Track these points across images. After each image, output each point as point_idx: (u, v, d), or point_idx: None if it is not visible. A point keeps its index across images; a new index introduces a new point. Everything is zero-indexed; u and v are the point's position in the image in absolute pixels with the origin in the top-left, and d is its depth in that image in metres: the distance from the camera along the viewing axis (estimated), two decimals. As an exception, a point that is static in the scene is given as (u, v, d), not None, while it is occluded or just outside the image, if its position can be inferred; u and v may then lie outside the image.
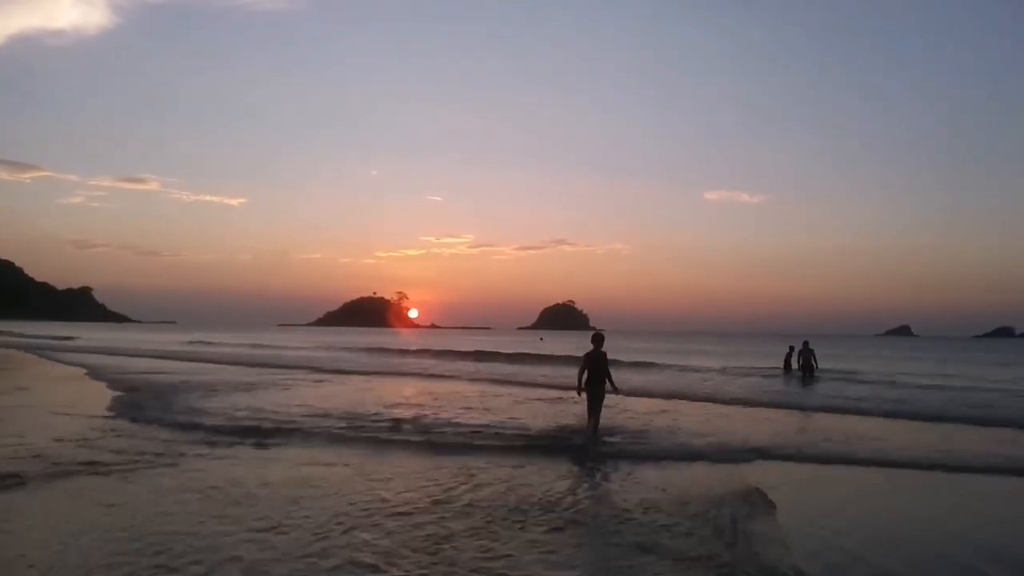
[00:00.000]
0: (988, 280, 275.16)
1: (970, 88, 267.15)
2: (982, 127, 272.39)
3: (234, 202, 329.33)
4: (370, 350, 51.06)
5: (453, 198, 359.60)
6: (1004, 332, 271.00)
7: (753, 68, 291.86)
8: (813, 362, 28.93)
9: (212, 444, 10.71)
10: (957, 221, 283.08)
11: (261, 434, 11.65)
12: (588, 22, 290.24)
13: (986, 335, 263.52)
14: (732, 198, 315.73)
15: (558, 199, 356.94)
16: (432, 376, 27.38)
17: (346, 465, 9.28)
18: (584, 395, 12.19)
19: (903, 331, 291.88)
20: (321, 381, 23.39)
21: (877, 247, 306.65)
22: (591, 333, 12.79)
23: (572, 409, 14.46)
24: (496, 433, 12.40)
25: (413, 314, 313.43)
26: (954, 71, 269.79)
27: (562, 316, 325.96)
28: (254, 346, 54.17)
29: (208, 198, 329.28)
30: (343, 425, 12.75)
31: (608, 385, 12.22)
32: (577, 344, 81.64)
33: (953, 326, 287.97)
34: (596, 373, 12.29)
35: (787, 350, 31.55)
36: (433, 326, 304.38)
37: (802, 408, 18.09)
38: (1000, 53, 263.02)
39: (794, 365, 30.10)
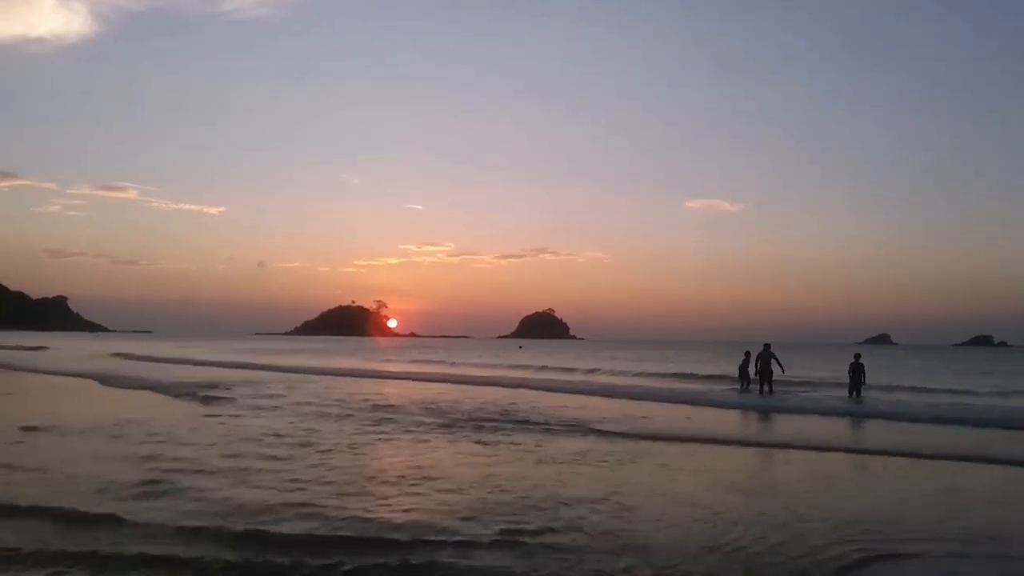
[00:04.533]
0: (967, 288, 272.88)
1: (952, 94, 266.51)
2: (964, 134, 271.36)
3: (214, 211, 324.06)
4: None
5: (433, 206, 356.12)
6: (982, 340, 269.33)
7: (736, 75, 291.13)
8: (775, 367, 26.13)
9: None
10: (937, 229, 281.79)
11: None
12: (570, 31, 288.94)
13: (964, 343, 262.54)
14: (713, 206, 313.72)
15: (539, 207, 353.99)
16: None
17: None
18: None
19: (882, 339, 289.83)
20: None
21: (857, 255, 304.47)
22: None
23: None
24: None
25: (392, 323, 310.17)
26: (938, 75, 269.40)
27: (542, 325, 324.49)
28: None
29: (187, 206, 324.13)
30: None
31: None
32: (555, 354, 79.51)
33: (932, 334, 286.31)
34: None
35: (743, 356, 28.30)
36: (412, 335, 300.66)
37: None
38: (985, 57, 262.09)
39: (752, 373, 27.16)
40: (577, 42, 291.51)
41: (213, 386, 26.92)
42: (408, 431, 15.48)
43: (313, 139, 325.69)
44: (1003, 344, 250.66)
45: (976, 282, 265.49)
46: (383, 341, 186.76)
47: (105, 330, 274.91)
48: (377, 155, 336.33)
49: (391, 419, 17.60)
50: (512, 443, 13.84)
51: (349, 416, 18.21)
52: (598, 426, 16.71)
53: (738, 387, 28.36)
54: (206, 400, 21.96)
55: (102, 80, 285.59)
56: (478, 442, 13.93)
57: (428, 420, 17.51)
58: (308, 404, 20.99)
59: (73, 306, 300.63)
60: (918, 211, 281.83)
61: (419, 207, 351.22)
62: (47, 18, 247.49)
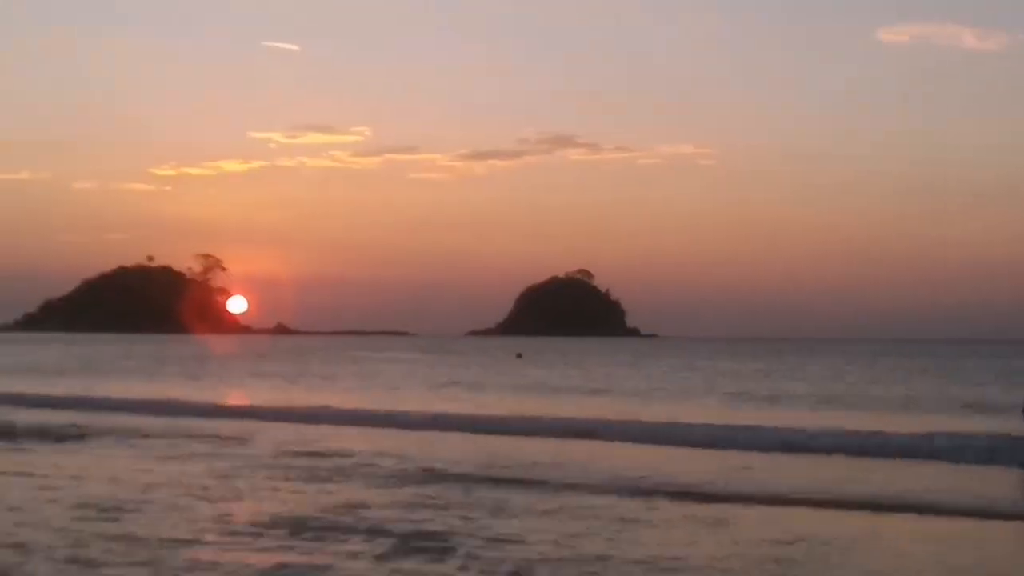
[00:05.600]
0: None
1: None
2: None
3: None
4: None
5: (324, 50, 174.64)
6: None
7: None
8: None
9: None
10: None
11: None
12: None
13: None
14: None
15: (544, 56, 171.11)
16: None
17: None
18: None
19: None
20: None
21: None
22: None
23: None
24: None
25: (237, 305, 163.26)
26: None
27: (566, 305, 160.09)
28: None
29: None
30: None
31: None
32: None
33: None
34: None
35: None
36: (281, 328, 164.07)
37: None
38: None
39: None
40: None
41: None
42: None
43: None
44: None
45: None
46: (211, 344, 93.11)
47: None
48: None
49: None
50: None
51: None
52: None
53: None
54: None
55: None
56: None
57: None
58: None
59: None
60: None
61: (294, 48, 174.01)
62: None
